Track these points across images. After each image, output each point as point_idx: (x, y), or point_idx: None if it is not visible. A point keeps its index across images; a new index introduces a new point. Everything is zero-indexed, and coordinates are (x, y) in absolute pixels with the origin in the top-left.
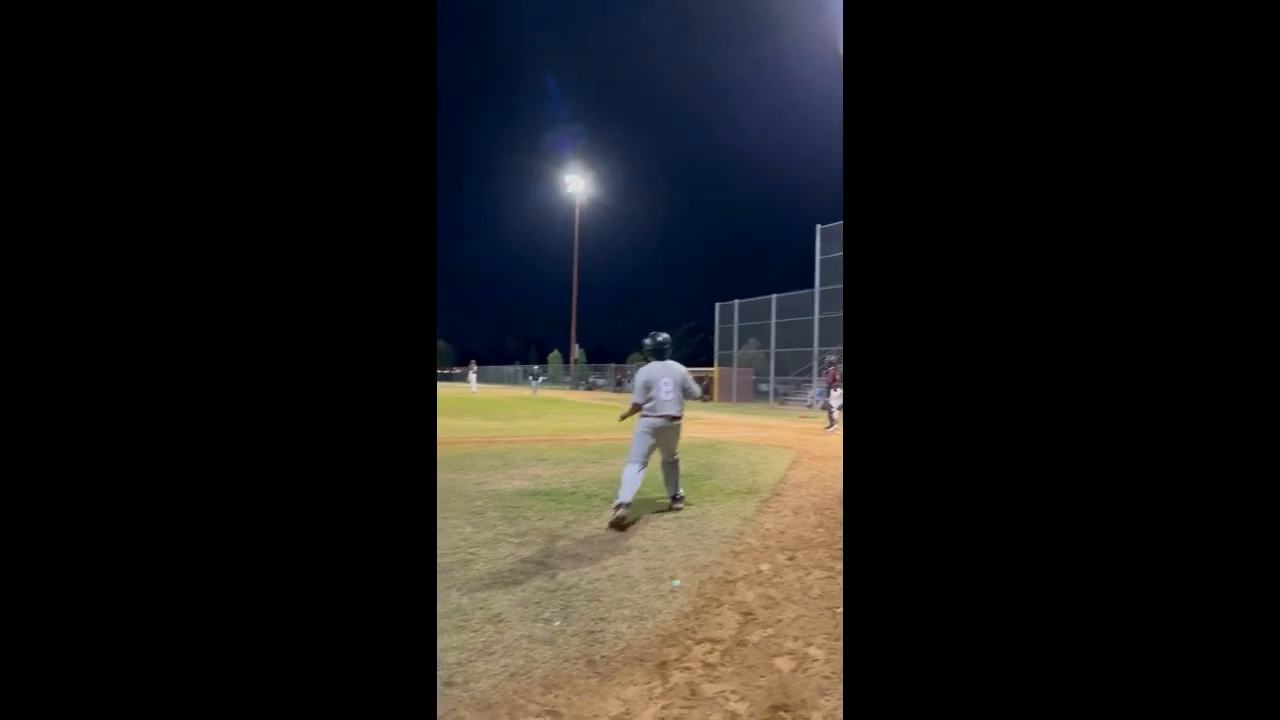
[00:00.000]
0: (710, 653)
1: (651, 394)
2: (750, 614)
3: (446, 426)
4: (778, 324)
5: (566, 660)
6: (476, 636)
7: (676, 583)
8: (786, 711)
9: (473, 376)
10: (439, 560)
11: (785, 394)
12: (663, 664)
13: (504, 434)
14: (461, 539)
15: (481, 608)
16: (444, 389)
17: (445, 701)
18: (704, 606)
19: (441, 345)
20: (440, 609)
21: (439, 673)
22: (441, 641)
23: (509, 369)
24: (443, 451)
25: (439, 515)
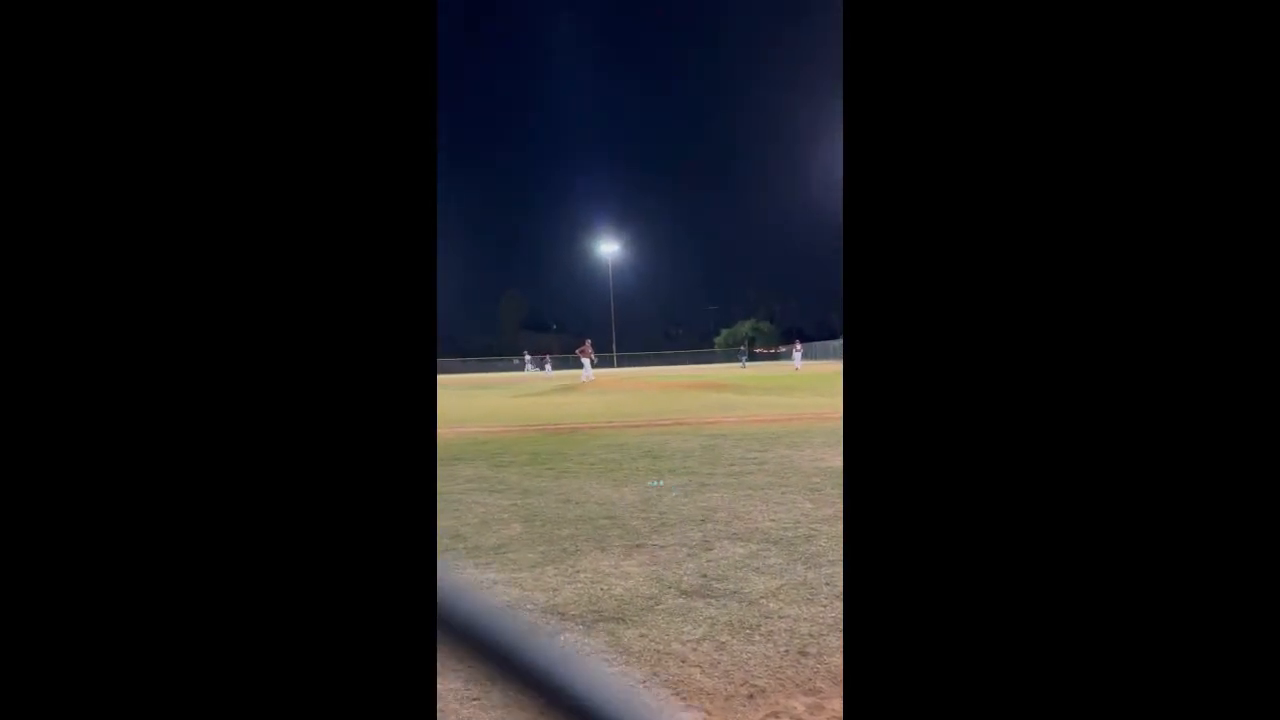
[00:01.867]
0: None
1: None
2: None
3: (774, 404)
4: None
5: None
6: (826, 611)
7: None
8: None
9: (797, 355)
10: (780, 533)
11: None
12: None
13: (834, 410)
14: (802, 514)
15: (828, 583)
16: (767, 367)
17: (801, 670)
18: None
19: (765, 326)
20: (786, 580)
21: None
22: (792, 611)
23: (834, 344)
24: (775, 428)
25: (778, 489)
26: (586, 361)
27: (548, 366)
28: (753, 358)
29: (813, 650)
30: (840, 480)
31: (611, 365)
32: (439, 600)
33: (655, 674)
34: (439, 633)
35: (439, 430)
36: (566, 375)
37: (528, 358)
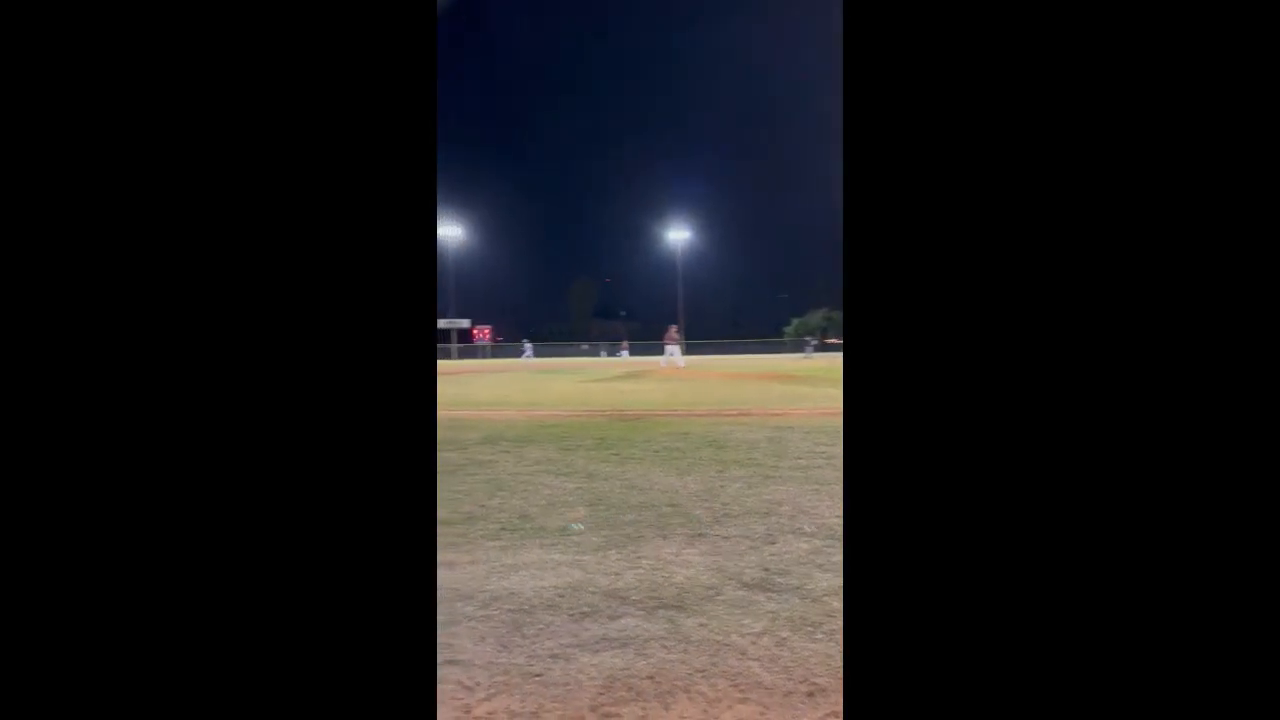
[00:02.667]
0: None
1: None
2: None
3: (829, 395)
4: None
5: None
6: None
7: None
8: None
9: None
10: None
11: None
12: None
13: None
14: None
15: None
16: (839, 359)
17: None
18: None
19: (837, 316)
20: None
21: None
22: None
23: None
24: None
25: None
26: (675, 348)
27: (624, 352)
28: (824, 348)
29: None
30: None
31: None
32: None
33: (714, 665)
34: None
35: (510, 413)
36: (638, 362)
37: (527, 346)
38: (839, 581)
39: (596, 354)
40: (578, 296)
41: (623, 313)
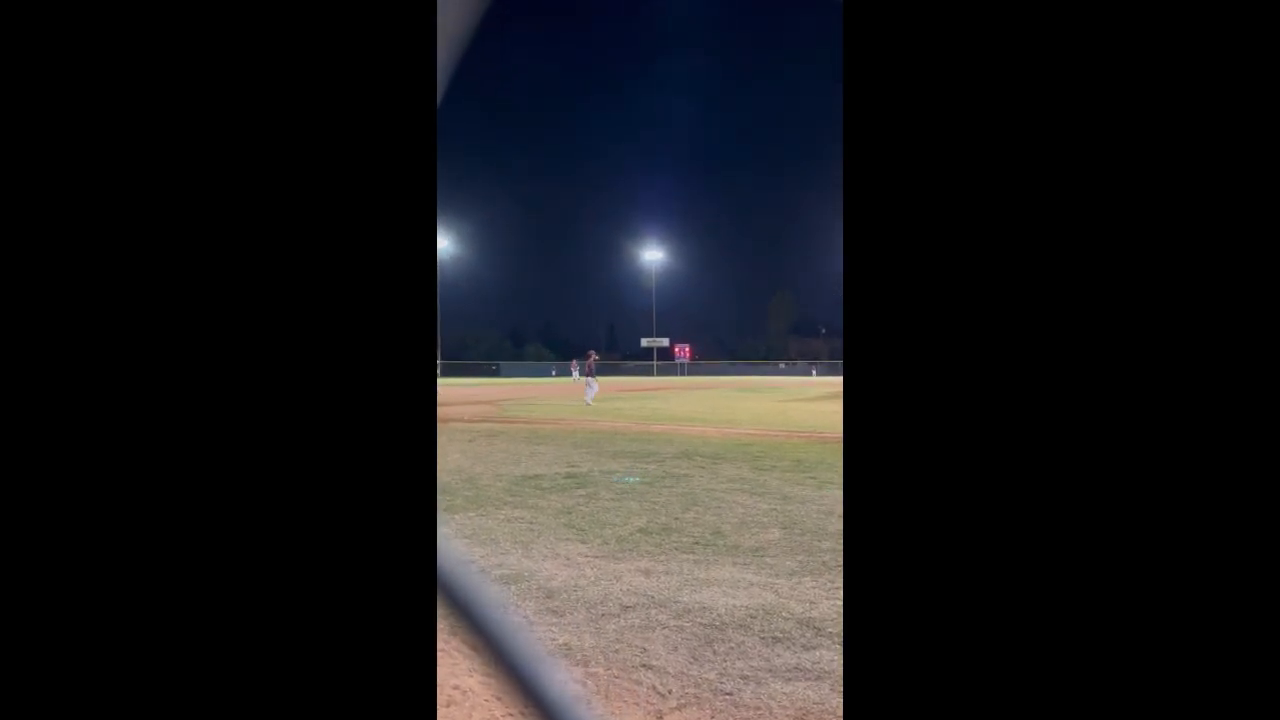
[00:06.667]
0: None
1: None
2: None
3: None
4: None
5: None
6: None
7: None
8: None
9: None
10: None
11: None
12: None
13: None
14: None
15: None
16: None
17: None
18: None
19: None
20: None
21: None
22: None
23: None
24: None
25: None
26: None
27: (814, 371)
28: None
29: None
30: None
31: None
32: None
33: None
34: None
35: (705, 429)
36: (839, 383)
37: (574, 365)
38: None
39: (807, 373)
40: (776, 311)
41: (822, 330)
